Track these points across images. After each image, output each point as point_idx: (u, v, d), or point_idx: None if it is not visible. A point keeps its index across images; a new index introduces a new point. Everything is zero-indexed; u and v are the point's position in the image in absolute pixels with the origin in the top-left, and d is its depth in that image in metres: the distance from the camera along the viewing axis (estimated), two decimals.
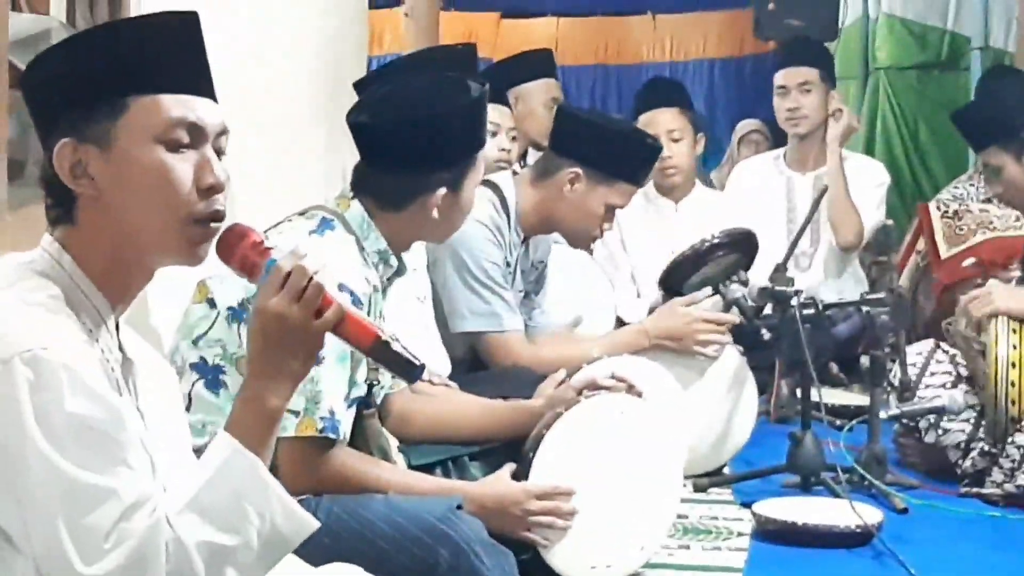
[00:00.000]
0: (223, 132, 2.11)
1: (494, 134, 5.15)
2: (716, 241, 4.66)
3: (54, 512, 1.88)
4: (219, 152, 2.11)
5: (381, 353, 2.12)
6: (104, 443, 1.91)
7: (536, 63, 6.26)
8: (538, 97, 6.04)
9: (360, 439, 3.20)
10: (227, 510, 1.99)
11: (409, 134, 3.19)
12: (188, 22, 2.12)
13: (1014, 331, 4.49)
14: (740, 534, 4.12)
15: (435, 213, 3.23)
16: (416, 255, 4.16)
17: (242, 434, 2.03)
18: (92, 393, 1.92)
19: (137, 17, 2.17)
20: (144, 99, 2.05)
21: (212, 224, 2.08)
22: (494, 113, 4.97)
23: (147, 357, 2.22)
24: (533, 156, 5.76)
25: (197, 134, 2.07)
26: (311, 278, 2.06)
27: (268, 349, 2.08)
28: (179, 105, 2.06)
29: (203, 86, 2.11)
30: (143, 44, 2.06)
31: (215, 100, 2.12)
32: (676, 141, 5.90)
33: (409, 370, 2.13)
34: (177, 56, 2.08)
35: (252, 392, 2.08)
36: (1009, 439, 4.44)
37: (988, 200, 5.58)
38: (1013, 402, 4.44)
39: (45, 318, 1.97)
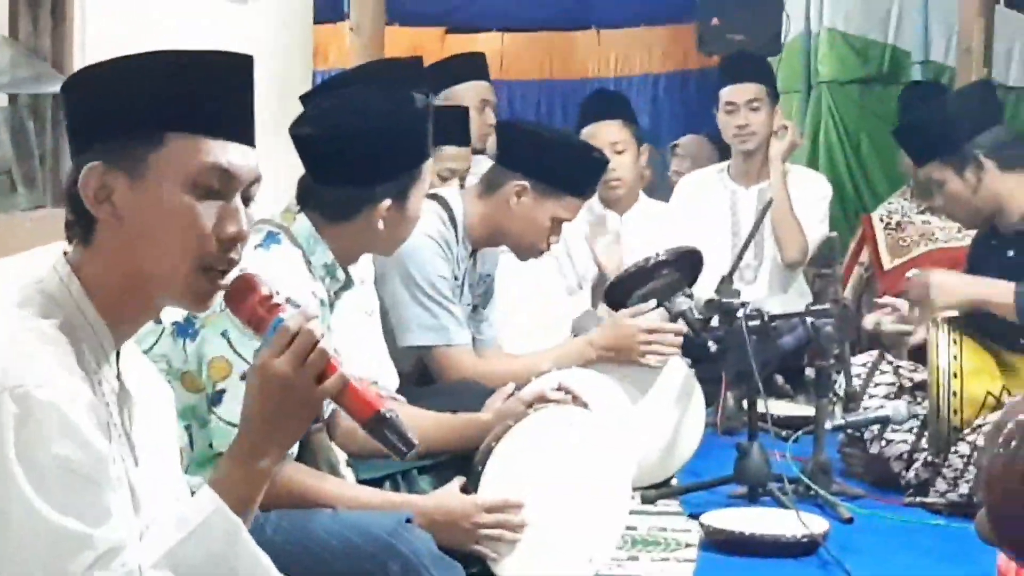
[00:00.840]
0: (256, 181, 2.07)
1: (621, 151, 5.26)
2: (661, 259, 4.68)
3: (27, 555, 1.85)
4: (247, 200, 2.07)
5: (378, 427, 2.09)
6: (85, 488, 1.88)
7: (467, 66, 6.29)
8: (469, 99, 6.05)
9: (308, 453, 3.20)
10: (201, 570, 1.97)
11: (353, 146, 3.20)
12: (241, 66, 2.07)
13: (955, 341, 4.53)
14: (688, 545, 4.13)
15: (381, 225, 3.24)
16: (363, 268, 4.16)
17: (227, 492, 2.01)
18: (78, 436, 1.88)
19: (191, 51, 2.08)
20: (183, 137, 2.00)
21: (223, 273, 2.04)
22: None
23: (147, 380, 2.19)
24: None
25: (229, 181, 2.03)
26: (317, 342, 2.04)
27: (266, 410, 2.05)
28: (217, 150, 2.02)
29: (245, 132, 2.06)
30: (192, 80, 2.02)
31: (254, 146, 2.07)
32: (620, 153, 5.91)
33: (401, 449, 2.10)
34: (224, 98, 2.03)
35: (243, 450, 2.05)
36: (952, 449, 4.48)
37: (928, 211, 5.63)
38: (955, 412, 4.48)
39: (43, 351, 1.93)
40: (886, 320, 4.82)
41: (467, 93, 6.12)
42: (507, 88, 8.65)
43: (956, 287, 4.58)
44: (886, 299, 4.92)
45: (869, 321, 4.90)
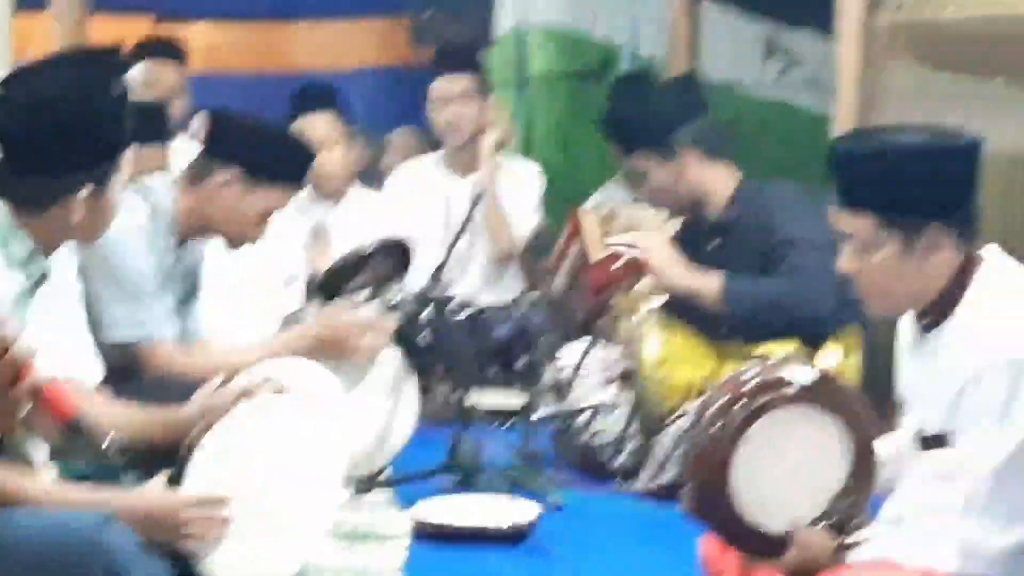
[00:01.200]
0: None
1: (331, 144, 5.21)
2: (372, 249, 4.67)
3: None
4: None
5: (72, 432, 2.03)
6: None
7: (158, 50, 6.25)
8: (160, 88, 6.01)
9: (4, 451, 3.09)
10: None
11: (46, 135, 3.11)
12: None
13: (662, 331, 4.61)
14: (399, 536, 4.13)
15: (79, 215, 3.15)
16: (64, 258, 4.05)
17: None
18: None
19: None
20: None
21: None
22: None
23: None
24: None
25: None
26: (7, 349, 1.97)
27: None
28: None
29: None
30: None
31: None
32: (331, 145, 5.88)
33: (97, 451, 2.05)
34: None
35: None
36: (659, 435, 4.57)
37: (636, 203, 5.72)
38: (663, 400, 4.56)
39: None
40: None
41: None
42: (218, 80, 8.51)
43: (672, 262, 4.66)
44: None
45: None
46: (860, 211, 3.04)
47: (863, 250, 3.04)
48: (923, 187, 3.01)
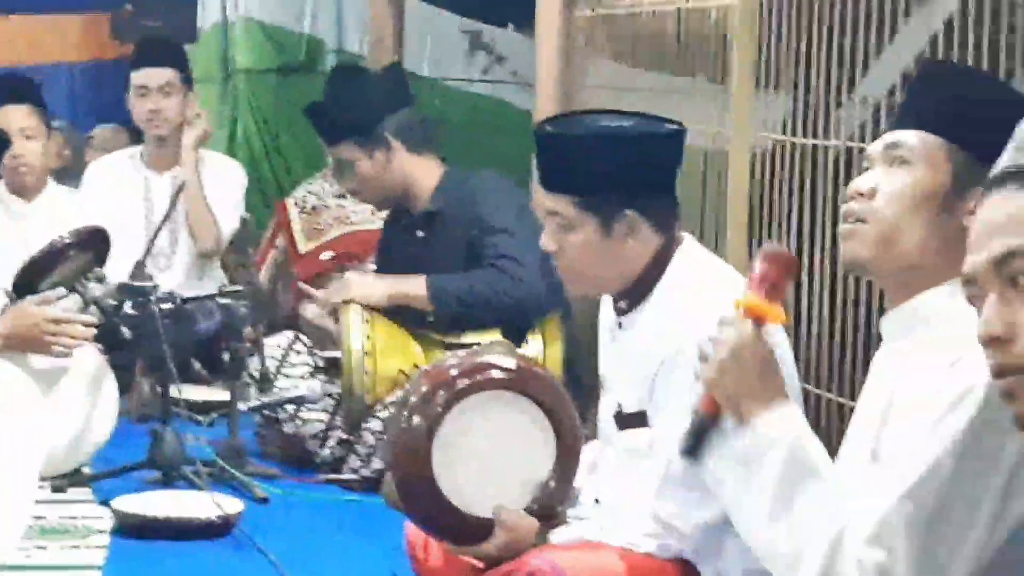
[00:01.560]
0: None
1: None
2: (67, 241, 4.57)
3: None
4: None
5: None
6: None
7: None
8: None
9: None
10: None
11: None
12: None
13: (367, 321, 4.61)
14: (100, 531, 4.05)
15: None
16: None
17: None
18: None
19: None
20: None
21: None
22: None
23: None
24: None
25: None
26: None
27: None
28: None
29: None
30: None
31: None
32: (28, 139, 5.73)
33: None
34: None
35: None
36: (364, 426, 4.57)
37: (343, 196, 5.72)
38: (368, 390, 4.57)
39: None
40: (312, 310, 4.89)
41: None
42: None
43: (373, 286, 4.69)
44: (307, 288, 4.97)
45: (311, 313, 4.93)
46: (560, 193, 3.08)
47: (563, 230, 3.09)
48: (621, 172, 3.05)
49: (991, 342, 1.68)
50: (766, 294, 2.42)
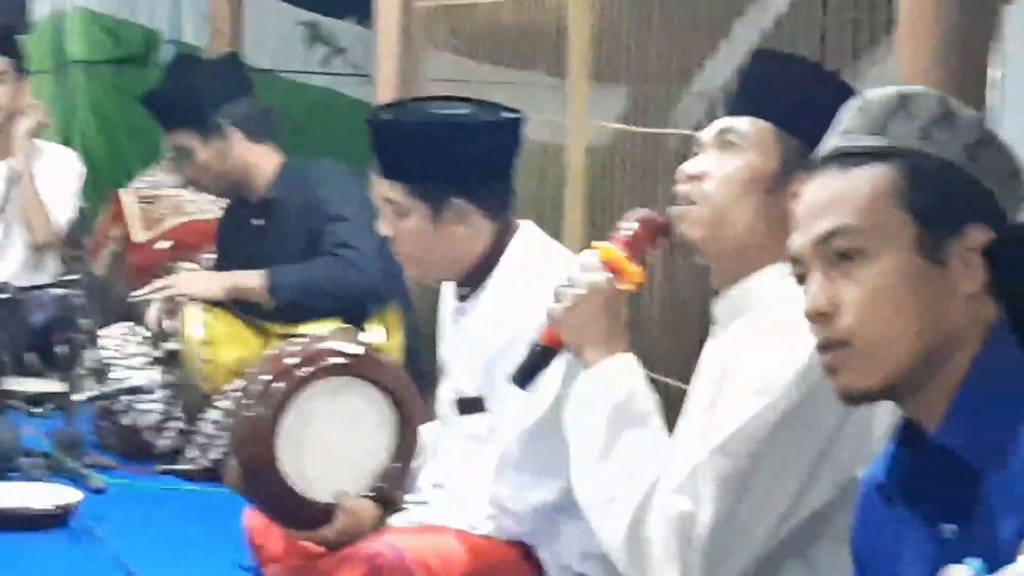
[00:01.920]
0: None
1: None
2: None
3: None
4: None
5: None
6: None
7: None
8: None
9: None
10: None
11: None
12: None
13: (206, 310, 4.60)
14: None
15: None
16: None
17: None
18: None
19: None
20: None
21: None
22: None
23: None
24: None
25: None
26: None
27: None
28: None
29: None
30: None
31: None
32: None
33: None
34: None
35: None
36: (202, 416, 4.56)
37: (180, 186, 5.69)
38: (206, 379, 4.55)
39: None
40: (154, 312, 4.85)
41: None
42: None
43: (210, 281, 4.68)
44: (147, 292, 4.91)
45: (152, 320, 4.89)
46: (391, 179, 3.12)
47: (396, 216, 3.12)
48: (450, 160, 3.08)
49: (816, 317, 1.75)
50: (628, 250, 2.47)
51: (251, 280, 4.62)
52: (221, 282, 4.68)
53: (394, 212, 3.12)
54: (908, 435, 1.79)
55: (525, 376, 2.49)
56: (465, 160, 3.09)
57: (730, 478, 2.21)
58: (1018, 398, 1.69)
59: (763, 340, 2.26)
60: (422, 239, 3.10)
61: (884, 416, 2.14)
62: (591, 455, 2.35)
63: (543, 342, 2.47)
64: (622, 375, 2.39)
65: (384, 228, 3.16)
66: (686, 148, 3.75)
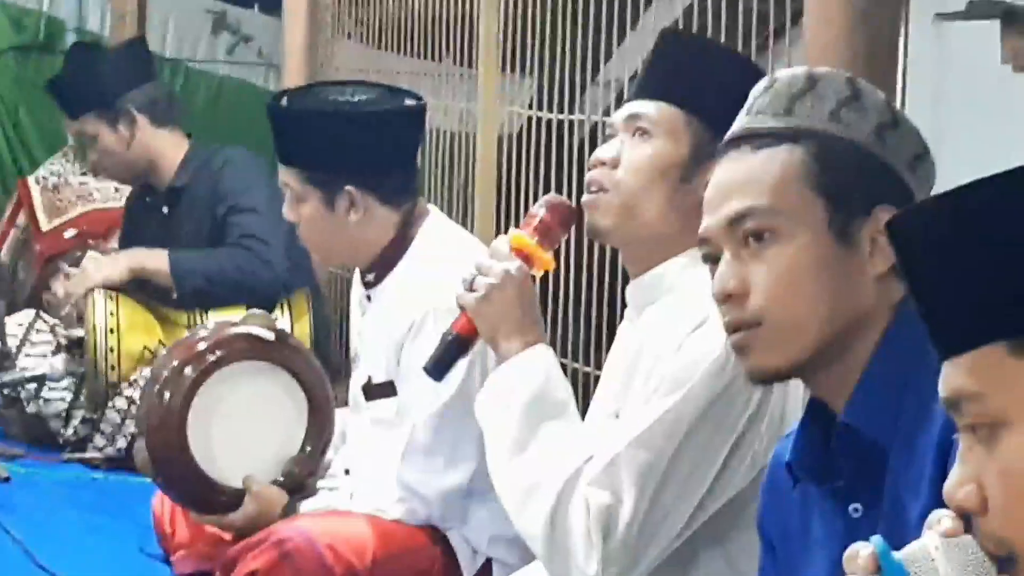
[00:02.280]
0: None
1: None
2: None
3: None
4: None
5: None
6: None
7: None
8: None
9: None
10: None
11: None
12: None
13: (111, 298, 4.56)
14: None
15: None
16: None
17: None
18: None
19: None
20: None
21: None
22: None
23: None
24: None
25: None
26: None
27: None
28: None
29: None
30: None
31: None
32: None
33: None
34: None
35: None
36: (109, 404, 4.53)
37: (85, 174, 5.64)
38: (112, 368, 4.52)
39: None
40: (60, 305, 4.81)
41: None
42: None
43: (114, 262, 4.64)
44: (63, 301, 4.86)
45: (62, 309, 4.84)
46: (288, 166, 3.13)
47: (296, 201, 3.13)
48: (344, 148, 3.08)
49: (726, 298, 1.77)
50: (538, 237, 2.47)
51: (155, 260, 4.57)
52: (126, 262, 4.63)
53: (293, 198, 3.13)
54: (816, 414, 1.81)
55: (439, 366, 2.48)
56: (360, 148, 3.09)
57: (649, 470, 2.22)
58: (923, 377, 1.72)
59: (678, 331, 2.27)
60: (318, 225, 3.12)
61: (797, 404, 2.17)
62: (509, 446, 2.35)
63: (456, 331, 2.46)
64: (537, 366, 2.38)
65: (287, 213, 3.17)
66: (594, 136, 3.78)
